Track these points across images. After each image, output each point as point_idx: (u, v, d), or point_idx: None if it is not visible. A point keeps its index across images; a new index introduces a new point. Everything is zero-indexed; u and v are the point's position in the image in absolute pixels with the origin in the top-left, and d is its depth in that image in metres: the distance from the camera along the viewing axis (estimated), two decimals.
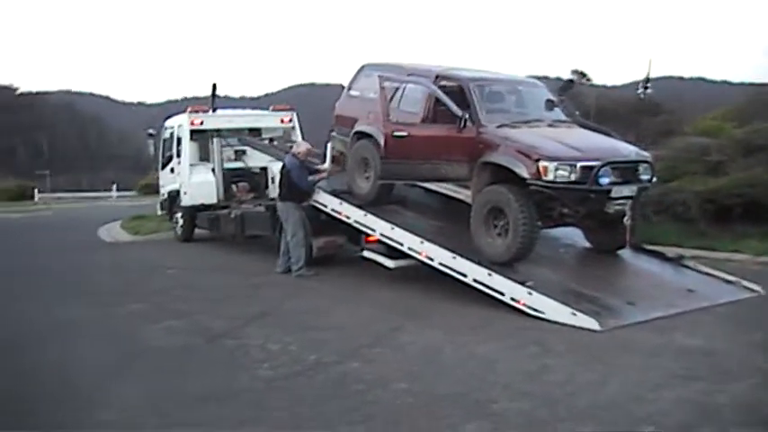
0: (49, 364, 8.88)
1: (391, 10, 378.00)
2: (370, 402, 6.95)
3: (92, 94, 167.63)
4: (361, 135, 13.32)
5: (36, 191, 61.76)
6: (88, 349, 9.47)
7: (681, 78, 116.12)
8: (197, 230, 20.22)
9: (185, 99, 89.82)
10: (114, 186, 65.13)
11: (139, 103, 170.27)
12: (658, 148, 19.93)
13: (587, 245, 12.68)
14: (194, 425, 6.60)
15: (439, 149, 11.69)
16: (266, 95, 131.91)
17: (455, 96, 11.87)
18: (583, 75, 52.49)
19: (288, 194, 14.14)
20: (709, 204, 15.85)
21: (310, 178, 14.28)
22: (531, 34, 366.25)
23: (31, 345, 9.87)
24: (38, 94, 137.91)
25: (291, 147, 16.12)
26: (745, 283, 11.51)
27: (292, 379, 7.77)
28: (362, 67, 14.60)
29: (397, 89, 12.94)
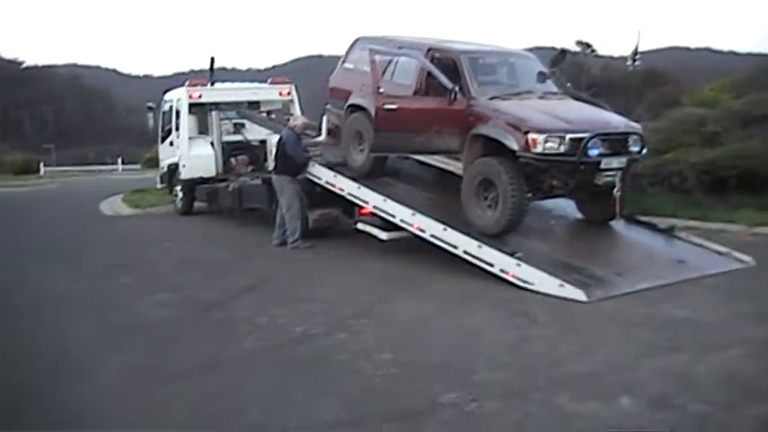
0: (39, 334, 9.03)
1: None
2: (351, 372, 7.04)
3: (99, 67, 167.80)
4: (355, 108, 13.33)
5: (42, 164, 61.91)
6: (77, 321, 9.61)
7: (687, 49, 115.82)
8: (197, 203, 20.27)
9: (192, 71, 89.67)
10: (120, 160, 65.34)
11: (146, 76, 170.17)
12: (658, 119, 19.92)
13: (579, 216, 12.69)
14: (176, 395, 6.69)
15: (430, 122, 11.69)
16: (274, 67, 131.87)
17: (447, 69, 11.88)
18: (588, 45, 52.22)
19: (282, 167, 14.18)
20: (704, 175, 15.81)
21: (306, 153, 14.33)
22: (539, 4, 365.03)
23: (23, 315, 10.03)
24: (44, 67, 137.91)
25: (289, 120, 16.18)
26: (736, 254, 11.51)
27: (277, 351, 7.85)
28: (356, 40, 14.60)
29: (390, 62, 12.94)
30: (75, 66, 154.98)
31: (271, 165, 15.59)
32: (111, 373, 7.46)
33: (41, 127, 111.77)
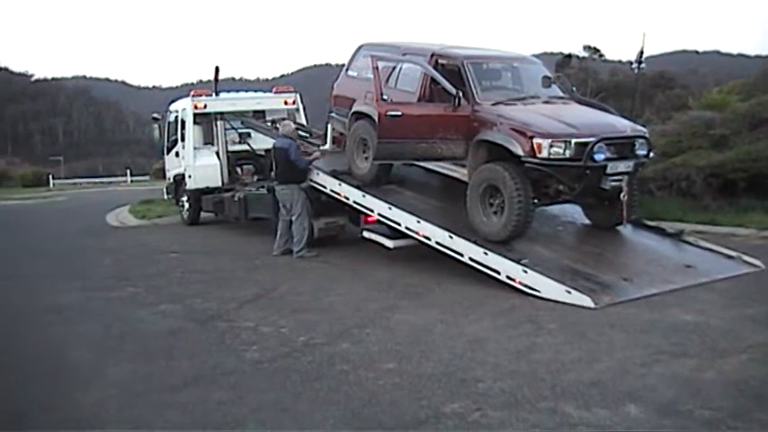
0: (43, 343, 9.06)
1: None
2: (353, 383, 6.93)
3: (107, 80, 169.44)
4: (360, 115, 13.27)
5: (51, 177, 62.26)
6: (81, 330, 9.62)
7: (696, 52, 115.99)
8: (203, 213, 20.27)
9: (201, 81, 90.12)
10: (128, 171, 65.60)
11: (155, 87, 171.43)
12: (666, 122, 19.85)
13: (586, 222, 12.59)
14: (176, 407, 6.59)
15: (434, 128, 11.60)
16: (282, 76, 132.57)
17: (451, 75, 11.83)
18: (596, 50, 52.25)
19: (289, 175, 14.15)
20: (713, 179, 15.75)
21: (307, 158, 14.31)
22: (548, 9, 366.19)
23: (27, 324, 10.07)
24: (53, 80, 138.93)
25: (296, 129, 16.19)
26: (746, 257, 11.42)
27: (279, 361, 7.76)
28: (360, 47, 14.54)
29: (394, 69, 12.88)
30: (83, 78, 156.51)
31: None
32: (112, 382, 7.40)
33: (51, 139, 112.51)
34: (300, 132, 17.81)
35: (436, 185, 13.53)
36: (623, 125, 11.31)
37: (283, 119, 19.26)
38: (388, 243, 12.76)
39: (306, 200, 14.18)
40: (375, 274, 12.25)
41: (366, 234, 13.34)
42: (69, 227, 22.95)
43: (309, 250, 14.08)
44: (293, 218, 14.12)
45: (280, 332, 8.87)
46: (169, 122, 21.38)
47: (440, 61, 12.33)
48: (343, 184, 13.57)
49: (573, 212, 12.79)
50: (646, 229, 12.60)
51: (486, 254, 10.74)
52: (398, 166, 13.42)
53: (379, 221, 12.84)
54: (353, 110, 13.49)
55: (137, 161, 79.88)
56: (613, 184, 10.93)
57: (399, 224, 12.21)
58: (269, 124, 19.41)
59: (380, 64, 12.08)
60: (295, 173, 14.13)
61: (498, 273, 10.53)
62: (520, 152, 10.56)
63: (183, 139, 19.95)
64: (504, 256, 10.53)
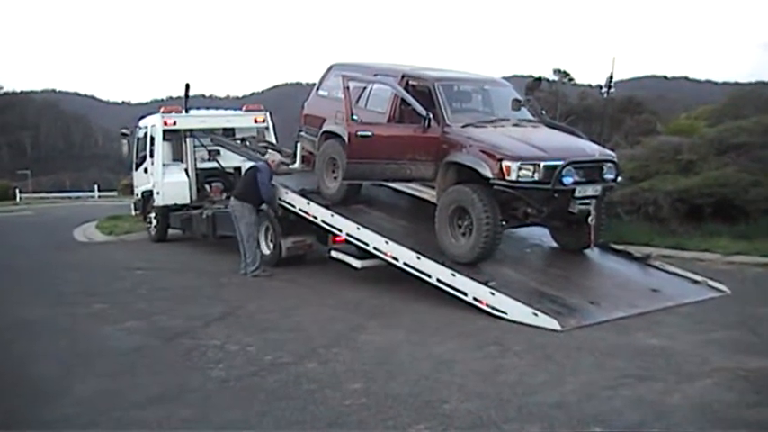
0: (4, 362, 8.93)
1: (380, 9, 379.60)
2: (319, 403, 6.90)
3: (77, 94, 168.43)
4: (329, 135, 13.30)
5: (18, 191, 61.74)
6: (45, 346, 9.52)
7: (665, 78, 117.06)
8: (171, 230, 20.17)
9: (171, 98, 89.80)
10: (96, 187, 65.21)
11: (124, 103, 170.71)
12: (635, 147, 19.99)
13: (554, 245, 12.65)
14: (140, 424, 6.54)
15: (404, 149, 11.63)
16: (252, 94, 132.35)
17: (422, 96, 11.88)
18: (565, 74, 52.42)
19: (248, 195, 14.11)
20: (680, 204, 15.87)
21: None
22: (519, 32, 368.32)
23: None
24: (22, 93, 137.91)
25: (266, 148, 16.20)
26: (712, 282, 11.48)
27: (245, 379, 7.73)
28: (331, 67, 14.58)
29: (365, 89, 12.91)
30: (53, 92, 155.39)
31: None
32: (77, 399, 7.34)
33: (19, 153, 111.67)
34: (270, 151, 17.80)
35: (405, 206, 13.53)
36: (592, 149, 11.38)
37: (254, 137, 19.29)
38: (356, 263, 12.74)
39: (256, 221, 14.25)
40: (342, 293, 12.22)
41: (334, 254, 13.32)
42: (36, 242, 22.74)
43: (264, 270, 14.08)
44: (244, 239, 14.09)
45: (246, 351, 8.84)
46: (138, 138, 21.29)
47: (410, 82, 12.38)
48: (312, 204, 13.55)
49: (541, 235, 12.84)
50: (613, 252, 12.67)
51: (453, 275, 10.74)
52: (367, 187, 13.42)
53: (347, 241, 12.83)
54: (323, 129, 13.52)
55: (105, 177, 79.36)
56: (581, 207, 11.01)
57: (367, 244, 12.21)
58: (238, 142, 19.39)
59: (351, 84, 12.09)
60: (253, 194, 14.08)
61: (465, 294, 10.53)
62: (489, 174, 10.61)
63: (151, 156, 19.86)
64: (472, 278, 10.53)
